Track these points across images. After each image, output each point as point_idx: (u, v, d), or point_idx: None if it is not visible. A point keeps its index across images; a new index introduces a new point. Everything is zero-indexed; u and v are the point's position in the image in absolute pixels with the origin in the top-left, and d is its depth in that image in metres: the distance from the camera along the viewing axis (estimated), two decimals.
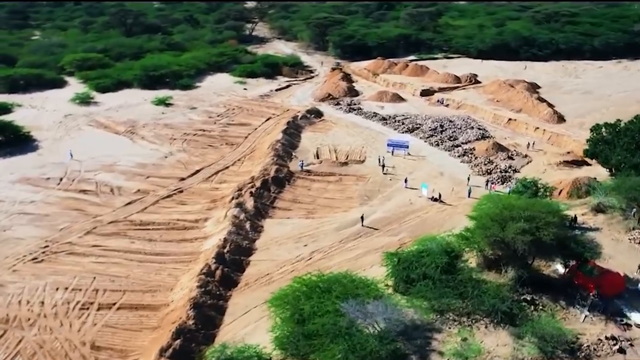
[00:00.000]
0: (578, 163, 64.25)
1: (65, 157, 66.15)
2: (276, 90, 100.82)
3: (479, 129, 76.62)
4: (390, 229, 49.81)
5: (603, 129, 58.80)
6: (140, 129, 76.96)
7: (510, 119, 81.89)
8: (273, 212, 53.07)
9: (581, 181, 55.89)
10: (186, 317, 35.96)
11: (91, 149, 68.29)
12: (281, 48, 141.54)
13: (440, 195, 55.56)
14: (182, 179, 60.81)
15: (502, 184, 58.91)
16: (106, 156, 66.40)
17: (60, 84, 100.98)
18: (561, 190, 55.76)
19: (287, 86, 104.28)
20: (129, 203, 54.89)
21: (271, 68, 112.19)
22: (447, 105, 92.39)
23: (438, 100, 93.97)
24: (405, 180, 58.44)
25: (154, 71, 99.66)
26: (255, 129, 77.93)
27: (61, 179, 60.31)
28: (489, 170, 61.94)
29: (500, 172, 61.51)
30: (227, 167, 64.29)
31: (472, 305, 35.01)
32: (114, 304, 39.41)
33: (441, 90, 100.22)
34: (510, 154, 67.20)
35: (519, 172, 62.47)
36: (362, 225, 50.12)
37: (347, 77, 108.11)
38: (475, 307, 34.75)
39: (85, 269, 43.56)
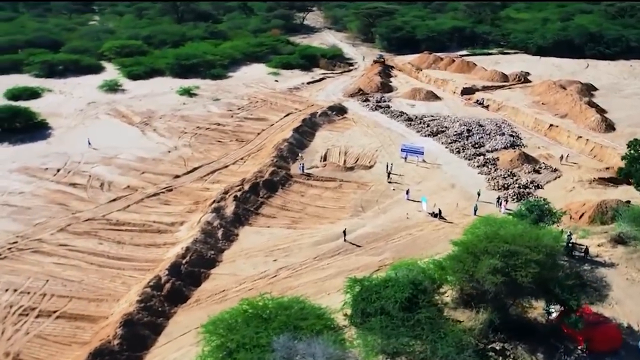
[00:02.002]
0: (616, 181, 56.57)
1: (74, 146, 65.44)
2: (307, 83, 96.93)
3: (511, 135, 69.62)
4: (374, 247, 45.14)
5: None
6: (155, 120, 75.44)
7: (551, 125, 73.99)
8: (255, 219, 49.55)
9: (608, 204, 48.90)
10: (112, 335, 33.18)
11: (99, 140, 67.14)
12: (328, 39, 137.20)
13: (440, 211, 50.04)
14: (177, 177, 58.43)
15: (518, 201, 52.35)
16: (111, 148, 65.07)
17: (96, 70, 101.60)
18: (582, 214, 48.89)
19: (321, 79, 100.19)
20: (114, 200, 53.03)
21: (308, 60, 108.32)
22: (486, 107, 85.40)
23: (477, 101, 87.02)
24: (407, 192, 53.21)
25: (185, 60, 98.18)
26: (272, 124, 74.48)
27: (58, 170, 59.41)
28: (505, 185, 55.48)
29: (519, 187, 54.92)
30: (227, 166, 61.32)
31: (430, 350, 30.08)
32: (55, 311, 37.33)
33: (485, 89, 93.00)
34: (538, 166, 60.23)
35: (542, 188, 55.73)
36: (345, 240, 45.68)
37: (385, 72, 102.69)
38: (430, 354, 29.78)
39: (43, 270, 41.82)
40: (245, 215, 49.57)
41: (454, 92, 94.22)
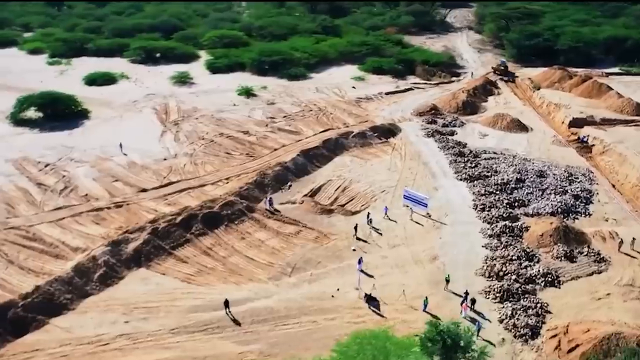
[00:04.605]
0: None
1: (90, 140, 64.64)
2: (386, 93, 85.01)
3: (577, 196, 51.52)
4: (252, 331, 35.18)
5: None
6: (188, 121, 71.51)
7: None
8: (159, 262, 42.23)
9: (625, 338, 32.56)
10: None
11: (116, 137, 64.92)
12: (457, 42, 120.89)
13: (376, 298, 37.53)
14: (143, 190, 53.30)
15: (502, 302, 37.39)
16: (116, 147, 62.36)
17: (188, 59, 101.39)
18: (574, 347, 32.75)
19: (406, 90, 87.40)
20: (58, 208, 49.67)
21: (407, 65, 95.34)
22: (591, 146, 66.09)
23: (580, 138, 67.73)
24: (360, 261, 41.11)
25: (268, 56, 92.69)
26: (299, 140, 65.52)
27: (46, 166, 58.24)
28: (501, 273, 39.99)
29: (517, 280, 39.17)
30: (203, 186, 54.44)
31: None
32: None
33: (603, 123, 72.41)
34: (578, 250, 43.08)
35: (557, 286, 39.31)
36: (227, 313, 36.28)
37: (486, 88, 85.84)
38: None
39: None
40: (151, 255, 42.45)
41: (563, 122, 74.91)
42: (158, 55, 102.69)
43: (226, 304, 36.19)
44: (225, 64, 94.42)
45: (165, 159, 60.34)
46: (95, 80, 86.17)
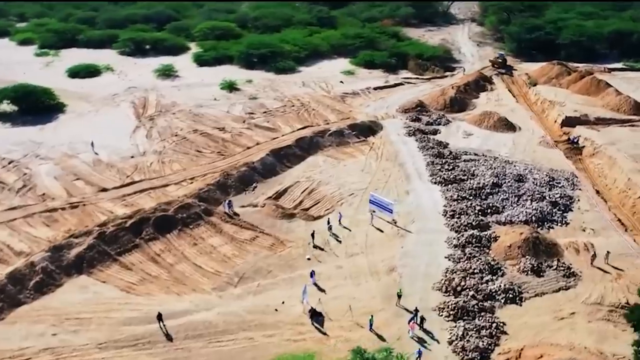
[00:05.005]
0: None
1: (60, 136, 62.98)
2: (374, 88, 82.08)
3: (555, 203, 48.56)
4: (183, 348, 33.26)
5: None
6: (165, 116, 69.49)
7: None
8: (103, 268, 40.34)
9: None
10: None
11: (88, 132, 63.28)
12: (457, 34, 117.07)
13: (321, 313, 35.27)
14: (103, 190, 51.51)
15: (455, 321, 34.92)
16: (85, 144, 60.62)
17: (177, 51, 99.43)
18: None
19: (396, 85, 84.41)
20: (12, 208, 48.03)
21: (399, 59, 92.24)
22: (581, 147, 62.95)
23: (570, 139, 64.51)
24: (312, 274, 38.77)
25: (256, 49, 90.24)
26: (275, 138, 63.14)
27: (10, 162, 56.72)
28: (458, 288, 37.42)
29: (475, 297, 36.62)
30: (166, 186, 52.42)
31: None
32: None
33: (598, 122, 68.95)
34: (548, 263, 40.42)
35: (518, 303, 36.73)
36: (161, 327, 34.28)
37: (479, 84, 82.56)
38: None
39: None
40: (94, 261, 40.59)
41: (555, 122, 71.64)
42: (148, 47, 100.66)
43: (159, 317, 34.13)
44: (213, 56, 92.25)
45: (132, 157, 58.46)
46: (78, 72, 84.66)
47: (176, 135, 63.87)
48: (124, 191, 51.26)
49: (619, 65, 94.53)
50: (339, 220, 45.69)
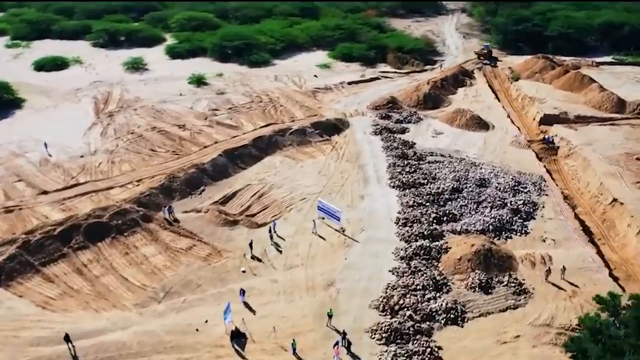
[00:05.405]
0: None
1: (12, 134, 60.27)
2: (349, 83, 79.01)
3: (516, 210, 45.66)
4: None
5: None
6: (125, 112, 66.96)
7: (615, 201, 47.69)
8: (22, 281, 37.79)
9: None
10: None
11: (41, 130, 60.75)
12: (444, 26, 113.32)
13: (244, 334, 32.72)
14: (44, 193, 48.93)
15: (387, 344, 32.24)
16: (36, 142, 58.09)
17: (151, 43, 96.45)
18: None
19: (372, 79, 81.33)
20: None
21: (379, 52, 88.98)
22: (557, 148, 59.99)
23: (546, 138, 61.49)
24: (242, 292, 36.07)
25: (230, 41, 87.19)
26: (235, 136, 60.33)
27: None
28: (396, 307, 34.70)
29: (412, 317, 33.89)
30: (111, 188, 49.75)
31: None
32: None
33: (578, 120, 65.84)
34: (499, 278, 37.71)
35: (459, 324, 34.02)
36: (68, 348, 31.83)
37: (458, 79, 79.36)
38: None
39: None
40: (14, 273, 38.06)
41: (534, 119, 68.60)
42: (122, 38, 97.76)
43: (66, 338, 31.60)
44: (187, 48, 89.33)
45: (82, 156, 55.86)
46: (44, 65, 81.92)
47: (132, 133, 61.19)
48: (65, 194, 48.67)
49: (609, 59, 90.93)
50: (273, 230, 42.74)
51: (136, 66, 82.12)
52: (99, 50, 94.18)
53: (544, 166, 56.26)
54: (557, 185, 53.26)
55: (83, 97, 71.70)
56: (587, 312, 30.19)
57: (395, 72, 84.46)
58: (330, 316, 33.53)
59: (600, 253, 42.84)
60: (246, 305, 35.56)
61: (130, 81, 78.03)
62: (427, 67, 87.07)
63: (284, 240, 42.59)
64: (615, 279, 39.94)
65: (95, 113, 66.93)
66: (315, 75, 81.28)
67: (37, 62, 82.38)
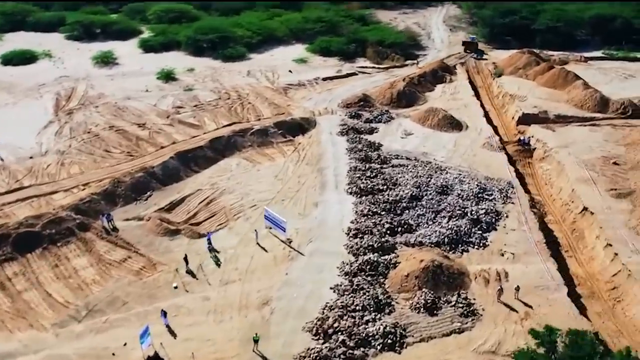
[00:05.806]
0: None
1: None
2: (323, 79, 76.09)
3: (477, 220, 42.97)
4: None
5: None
6: (85, 110, 64.42)
7: (585, 210, 44.94)
8: None
9: None
10: None
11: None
12: (432, 18, 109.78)
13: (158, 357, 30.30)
14: None
15: None
16: None
17: (126, 36, 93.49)
18: None
19: (348, 75, 78.38)
20: None
21: (359, 46, 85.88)
22: (533, 150, 57.20)
23: (521, 140, 58.63)
24: (164, 314, 33.52)
25: (204, 34, 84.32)
26: (195, 136, 57.74)
27: None
28: (330, 330, 32.14)
29: (347, 343, 31.32)
30: (55, 192, 47.31)
31: None
32: None
33: (558, 120, 62.91)
34: (447, 297, 34.96)
35: (399, 351, 31.38)
36: None
37: (436, 74, 76.35)
38: None
39: None
40: None
41: (513, 118, 65.68)
42: (98, 30, 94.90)
43: None
44: (160, 42, 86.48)
45: (31, 157, 53.34)
46: (12, 59, 79.31)
47: (88, 132, 58.68)
48: (5, 199, 46.26)
49: (599, 53, 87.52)
50: (209, 243, 40.20)
51: (105, 60, 79.48)
52: (72, 43, 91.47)
53: (517, 170, 53.50)
54: (529, 190, 50.71)
55: (45, 94, 69.14)
56: (521, 347, 27.56)
57: (374, 68, 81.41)
58: (256, 341, 31.00)
59: (565, 267, 40.31)
60: (168, 328, 33.01)
61: (97, 76, 75.51)
62: (408, 62, 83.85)
63: (224, 252, 40.01)
64: (578, 297, 37.42)
65: (55, 111, 64.35)
66: (290, 71, 78.35)
67: (4, 55, 79.88)
